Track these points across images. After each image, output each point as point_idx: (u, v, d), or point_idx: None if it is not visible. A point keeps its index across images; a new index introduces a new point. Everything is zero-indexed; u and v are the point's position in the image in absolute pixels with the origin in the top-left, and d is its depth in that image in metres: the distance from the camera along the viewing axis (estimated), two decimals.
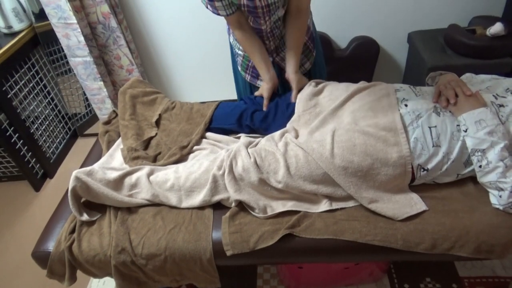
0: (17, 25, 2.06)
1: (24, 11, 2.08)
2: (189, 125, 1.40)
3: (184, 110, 1.45)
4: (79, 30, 1.97)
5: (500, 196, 0.98)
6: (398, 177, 1.05)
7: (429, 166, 1.04)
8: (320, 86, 1.33)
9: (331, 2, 2.16)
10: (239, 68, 1.61)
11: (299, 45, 1.39)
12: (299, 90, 1.35)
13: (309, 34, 1.50)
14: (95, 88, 2.22)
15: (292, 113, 1.29)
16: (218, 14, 1.29)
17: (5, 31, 2.06)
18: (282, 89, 1.56)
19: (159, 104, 1.49)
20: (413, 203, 1.05)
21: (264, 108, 1.37)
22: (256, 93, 1.45)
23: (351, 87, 1.26)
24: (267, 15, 1.28)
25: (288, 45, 1.39)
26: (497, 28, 1.83)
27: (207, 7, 1.28)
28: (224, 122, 1.39)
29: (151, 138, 1.38)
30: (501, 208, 0.99)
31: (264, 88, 1.40)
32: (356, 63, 2.29)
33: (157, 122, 1.43)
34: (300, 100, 1.29)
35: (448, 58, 1.95)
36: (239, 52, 1.54)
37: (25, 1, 2.07)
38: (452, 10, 2.15)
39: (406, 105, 1.11)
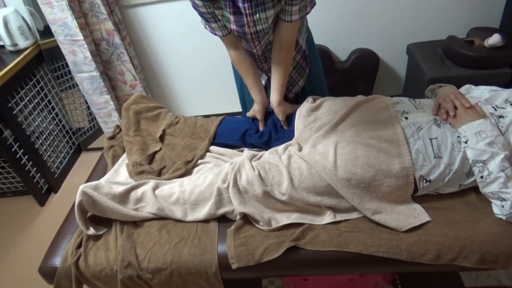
0: (22, 43, 2.10)
1: (29, 28, 2.13)
2: (193, 140, 1.41)
3: (188, 125, 1.47)
4: (86, 46, 2.01)
5: (503, 206, 0.99)
6: (401, 188, 1.06)
7: (432, 177, 1.05)
8: (317, 102, 1.35)
9: (331, 15, 2.20)
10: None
11: (282, 77, 1.37)
12: (287, 118, 1.38)
13: (302, 52, 1.49)
14: (101, 102, 2.26)
15: (292, 130, 1.31)
16: (215, 34, 1.31)
17: (11, 48, 2.10)
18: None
19: (163, 119, 1.50)
20: (416, 214, 1.06)
21: (261, 128, 1.39)
22: (249, 114, 1.46)
23: (350, 101, 1.28)
24: (256, 40, 1.29)
25: (272, 77, 1.39)
26: (495, 39, 1.86)
27: (205, 27, 1.30)
28: (227, 138, 1.40)
29: (156, 152, 1.39)
30: (503, 218, 1.00)
31: (256, 110, 1.41)
32: (357, 75, 2.32)
33: (161, 137, 1.44)
34: (299, 117, 1.30)
35: (447, 69, 1.97)
36: None
37: (30, 19, 2.11)
38: (450, 22, 2.18)
39: (406, 118, 1.13)
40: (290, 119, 1.37)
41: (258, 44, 1.32)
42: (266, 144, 1.35)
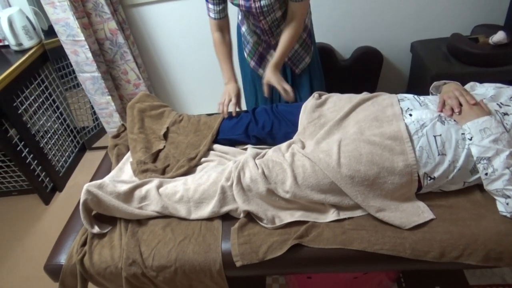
0: (27, 42, 2.11)
1: (34, 28, 2.14)
2: (196, 137, 1.42)
3: (191, 122, 1.48)
4: (87, 46, 2.02)
5: (507, 204, 0.99)
6: (405, 185, 1.06)
7: (436, 174, 1.05)
8: (323, 98, 1.36)
9: (334, 13, 2.20)
10: (246, 55, 1.74)
11: (286, 47, 1.48)
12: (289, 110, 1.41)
13: (307, 31, 1.61)
14: (103, 102, 2.26)
15: (295, 119, 1.32)
16: (209, 15, 1.49)
17: (16, 48, 2.11)
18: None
19: (167, 117, 1.51)
20: (420, 212, 1.06)
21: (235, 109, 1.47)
22: (226, 99, 1.49)
23: (355, 98, 1.28)
24: (261, 15, 1.45)
25: (279, 43, 1.49)
26: (499, 36, 1.85)
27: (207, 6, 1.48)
28: (231, 133, 1.41)
29: (160, 150, 1.40)
30: (508, 215, 1.00)
31: (235, 88, 1.52)
32: (360, 73, 2.32)
33: (165, 135, 1.45)
34: (304, 112, 1.31)
35: (452, 66, 1.96)
36: (251, 40, 1.67)
37: (34, 19, 2.12)
38: (455, 19, 2.17)
39: (410, 115, 1.13)
40: (293, 112, 1.37)
41: (264, 19, 1.48)
42: (269, 134, 1.35)
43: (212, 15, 1.48)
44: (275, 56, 1.50)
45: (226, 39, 1.56)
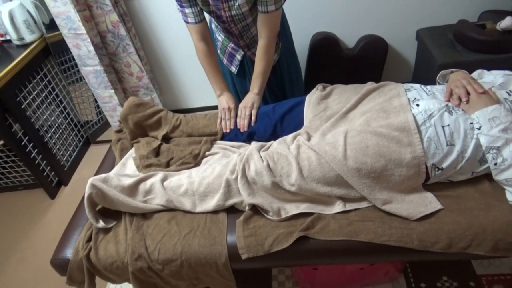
0: (28, 37, 2.10)
1: (35, 22, 2.12)
2: (199, 139, 1.40)
3: (190, 126, 1.43)
4: (89, 40, 2.00)
5: None
6: (412, 177, 1.05)
7: (444, 165, 1.03)
8: (327, 89, 1.33)
9: (338, 2, 2.16)
10: (218, 52, 1.69)
11: (264, 76, 1.46)
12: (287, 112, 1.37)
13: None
14: (106, 96, 2.26)
15: (297, 117, 1.30)
16: (187, 22, 1.39)
17: (17, 42, 2.10)
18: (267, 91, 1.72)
19: (165, 125, 1.45)
20: (427, 202, 1.04)
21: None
22: (222, 107, 1.44)
23: (360, 88, 1.26)
24: (232, 23, 1.41)
25: (255, 67, 1.46)
26: (507, 22, 1.81)
27: (180, 14, 1.39)
28: (234, 140, 1.39)
29: (161, 145, 1.39)
30: None
31: (227, 99, 1.46)
32: (365, 62, 2.29)
33: (166, 140, 1.44)
34: (309, 105, 1.29)
35: (458, 54, 1.93)
36: (219, 38, 1.65)
37: (35, 12, 2.11)
38: (461, 6, 2.13)
39: (418, 105, 1.10)
40: (295, 108, 1.35)
41: (234, 26, 1.44)
42: (272, 136, 1.33)
43: (191, 20, 1.37)
44: (255, 84, 1.46)
45: (212, 49, 1.49)
